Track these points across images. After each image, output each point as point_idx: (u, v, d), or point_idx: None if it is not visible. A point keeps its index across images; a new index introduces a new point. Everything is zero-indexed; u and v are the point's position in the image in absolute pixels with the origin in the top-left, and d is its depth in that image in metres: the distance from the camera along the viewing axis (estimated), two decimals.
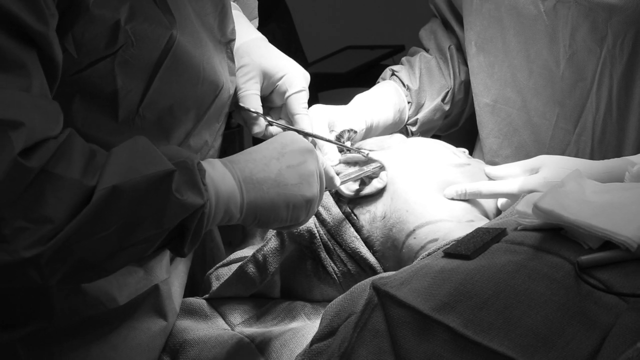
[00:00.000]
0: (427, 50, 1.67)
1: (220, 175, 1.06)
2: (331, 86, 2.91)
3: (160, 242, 1.01)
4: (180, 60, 1.12)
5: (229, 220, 1.08)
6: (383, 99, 1.52)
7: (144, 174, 0.96)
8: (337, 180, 1.22)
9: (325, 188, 1.19)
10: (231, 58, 1.26)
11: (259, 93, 1.31)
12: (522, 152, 1.54)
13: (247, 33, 1.35)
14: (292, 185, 1.10)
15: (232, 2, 1.39)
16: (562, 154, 1.48)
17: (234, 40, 1.27)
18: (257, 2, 1.48)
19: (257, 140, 1.27)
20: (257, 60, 1.31)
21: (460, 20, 1.62)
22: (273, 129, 1.31)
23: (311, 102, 1.36)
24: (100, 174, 0.95)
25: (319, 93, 2.89)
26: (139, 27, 1.06)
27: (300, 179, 1.11)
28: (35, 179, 0.91)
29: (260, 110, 1.30)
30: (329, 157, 1.32)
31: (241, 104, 1.29)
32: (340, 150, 1.35)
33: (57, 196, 0.92)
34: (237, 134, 2.16)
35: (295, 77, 1.32)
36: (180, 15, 1.11)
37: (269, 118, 1.31)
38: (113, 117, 1.09)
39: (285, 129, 1.30)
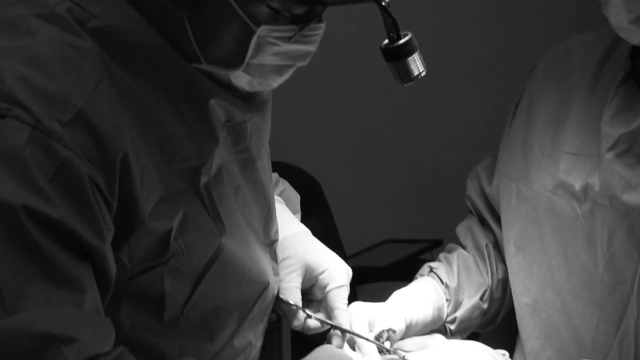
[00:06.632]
0: (464, 247, 1.67)
1: None
2: (370, 280, 2.89)
3: None
4: (227, 265, 1.13)
5: None
6: (422, 296, 1.51)
7: None
8: None
9: None
10: (274, 259, 1.28)
11: (300, 286, 1.32)
12: (564, 354, 1.50)
13: (291, 225, 1.37)
14: None
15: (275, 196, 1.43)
16: (605, 357, 1.45)
17: (277, 240, 1.29)
18: (299, 197, 1.52)
19: (295, 333, 1.26)
20: (300, 253, 1.33)
21: (497, 218, 1.63)
22: (311, 322, 1.31)
23: (350, 296, 1.36)
24: None
25: (357, 287, 2.87)
26: (189, 237, 1.08)
27: None
28: None
29: (300, 304, 1.30)
30: (369, 358, 1.30)
31: (281, 296, 1.29)
32: (380, 351, 1.34)
33: None
34: (276, 330, 2.15)
35: (336, 272, 1.32)
36: (230, 222, 1.13)
37: (307, 311, 1.31)
38: (159, 319, 1.09)
39: (323, 323, 1.30)
